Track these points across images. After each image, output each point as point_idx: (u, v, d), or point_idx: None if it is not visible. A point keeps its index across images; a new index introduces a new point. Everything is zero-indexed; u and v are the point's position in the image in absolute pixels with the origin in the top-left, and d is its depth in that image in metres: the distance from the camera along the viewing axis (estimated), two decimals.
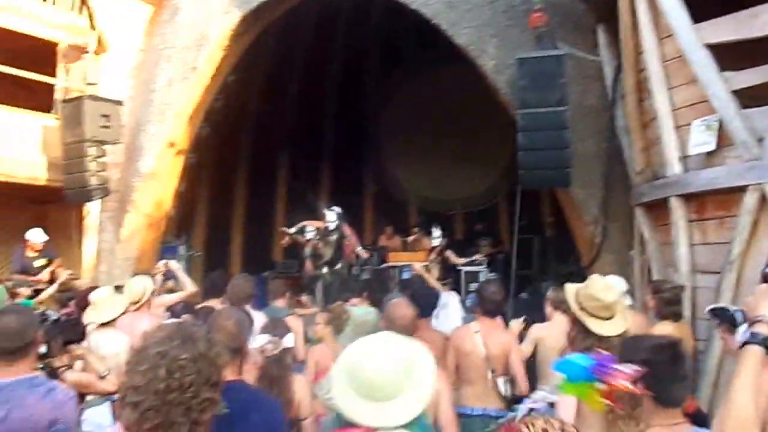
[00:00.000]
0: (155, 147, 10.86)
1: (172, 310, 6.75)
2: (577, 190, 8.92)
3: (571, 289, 3.81)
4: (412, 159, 17.29)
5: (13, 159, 10.11)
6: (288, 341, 4.07)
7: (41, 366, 3.88)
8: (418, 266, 11.39)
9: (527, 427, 1.19)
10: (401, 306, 4.12)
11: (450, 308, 7.10)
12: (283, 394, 3.92)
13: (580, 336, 3.64)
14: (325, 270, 11.47)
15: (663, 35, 6.78)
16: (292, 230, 12.68)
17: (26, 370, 3.13)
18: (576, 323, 3.69)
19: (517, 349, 5.07)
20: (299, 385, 4.15)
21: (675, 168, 6.64)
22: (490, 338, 4.95)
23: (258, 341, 3.97)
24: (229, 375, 3.05)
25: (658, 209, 7.30)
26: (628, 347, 2.75)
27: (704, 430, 2.60)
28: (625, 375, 2.39)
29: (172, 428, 1.74)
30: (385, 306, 4.38)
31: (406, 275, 11.74)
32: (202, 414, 1.80)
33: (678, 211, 6.64)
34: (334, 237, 11.57)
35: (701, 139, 6.26)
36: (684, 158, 6.58)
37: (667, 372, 2.49)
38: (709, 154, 6.21)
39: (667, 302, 5.41)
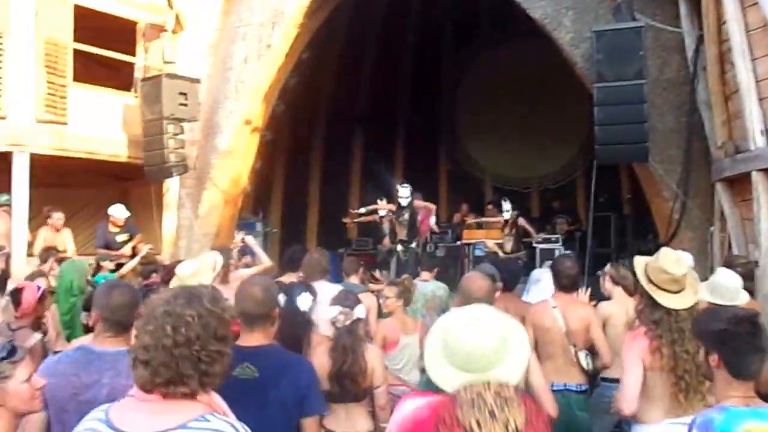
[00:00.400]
0: (232, 124, 11.04)
1: None
2: (656, 165, 8.69)
3: (640, 262, 3.77)
4: (487, 135, 17.17)
5: (96, 137, 10.39)
6: (359, 312, 4.11)
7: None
8: (491, 243, 11.37)
9: None
10: (477, 278, 4.09)
11: (543, 284, 7.03)
12: (356, 364, 3.96)
13: (648, 309, 3.62)
14: (399, 247, 11.50)
15: (746, 4, 6.55)
16: (362, 210, 12.81)
17: (128, 341, 3.15)
18: (644, 296, 3.66)
19: (597, 322, 4.98)
20: (372, 355, 4.18)
21: (758, 141, 6.43)
22: (568, 312, 4.88)
23: (329, 312, 4.03)
24: (261, 340, 3.19)
25: (740, 184, 7.09)
26: (706, 318, 2.71)
27: None
28: None
29: (182, 381, 1.83)
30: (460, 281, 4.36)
31: (478, 252, 11.68)
32: (210, 366, 1.88)
33: (760, 185, 6.44)
34: (406, 216, 11.60)
35: None
36: (767, 131, 6.35)
37: (744, 344, 2.44)
38: None
39: (740, 278, 5.25)
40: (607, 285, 5.73)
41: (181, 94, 10.27)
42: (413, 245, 11.75)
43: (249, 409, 2.81)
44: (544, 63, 12.13)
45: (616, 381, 4.90)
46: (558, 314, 4.84)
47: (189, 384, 1.85)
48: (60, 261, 7.72)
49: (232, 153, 11.22)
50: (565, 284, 5.10)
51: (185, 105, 10.38)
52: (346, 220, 14.25)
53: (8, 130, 9.33)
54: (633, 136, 8.18)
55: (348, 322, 4.02)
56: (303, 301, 3.43)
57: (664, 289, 3.58)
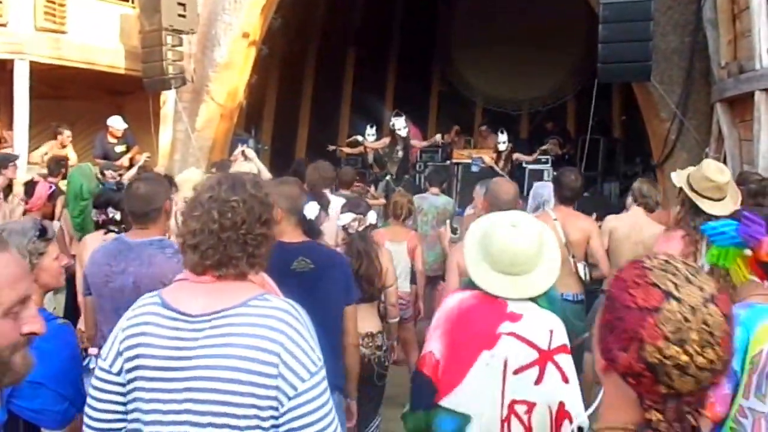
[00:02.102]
0: (230, 37, 10.91)
1: None
2: (656, 85, 8.75)
3: (682, 173, 3.90)
4: (481, 56, 17.04)
5: (94, 47, 10.28)
6: (371, 218, 4.27)
7: (116, 230, 4.14)
8: (488, 159, 11.45)
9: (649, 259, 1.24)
10: (505, 183, 4.23)
11: (541, 200, 7.19)
12: (372, 266, 4.14)
13: (690, 216, 3.75)
14: (387, 177, 11.58)
15: None
16: (347, 150, 12.83)
17: (156, 233, 3.38)
18: (685, 204, 3.79)
19: (597, 234, 5.14)
20: (385, 258, 4.38)
21: (764, 61, 6.47)
22: (569, 224, 5.01)
23: (343, 219, 4.19)
24: (300, 236, 3.38)
25: (741, 104, 7.18)
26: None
27: None
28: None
29: (230, 263, 1.90)
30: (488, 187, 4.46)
31: (475, 168, 11.75)
32: (257, 248, 1.95)
33: (762, 105, 6.51)
34: (400, 152, 11.63)
35: None
36: None
37: None
38: None
39: (754, 194, 5.35)
40: (628, 200, 5.87)
41: (179, 4, 10.14)
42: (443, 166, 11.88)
43: (309, 299, 3.07)
44: None
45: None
46: (558, 226, 4.97)
47: (238, 265, 1.91)
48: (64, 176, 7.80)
49: (230, 66, 11.10)
50: (567, 196, 5.24)
51: (184, 16, 10.27)
52: (332, 147, 14.27)
53: (8, 38, 9.22)
54: (637, 55, 8.17)
55: (361, 228, 4.18)
56: (310, 210, 3.54)
57: (707, 197, 3.70)
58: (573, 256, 4.98)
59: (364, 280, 4.04)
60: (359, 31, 17.24)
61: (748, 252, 2.47)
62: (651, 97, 9.04)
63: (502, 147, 12.24)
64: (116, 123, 9.95)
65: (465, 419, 2.35)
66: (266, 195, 2.01)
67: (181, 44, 10.43)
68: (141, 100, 11.03)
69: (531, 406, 2.34)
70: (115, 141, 10.12)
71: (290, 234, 3.33)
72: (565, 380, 2.36)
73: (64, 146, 9.69)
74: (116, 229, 4.28)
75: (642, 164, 12.87)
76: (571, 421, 2.34)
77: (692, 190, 3.73)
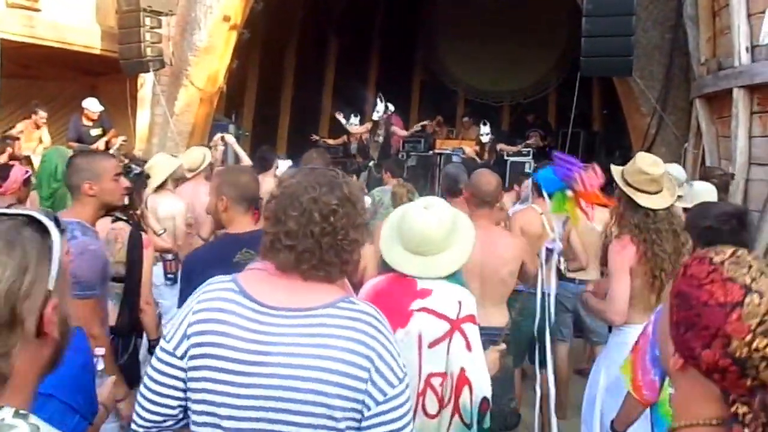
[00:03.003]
0: (210, 20, 10.76)
1: None
2: (637, 80, 8.77)
3: (617, 168, 3.83)
4: (464, 47, 17.05)
5: (69, 25, 10.05)
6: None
7: (125, 218, 4.05)
8: (469, 150, 11.45)
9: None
10: (486, 174, 4.21)
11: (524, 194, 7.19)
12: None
13: (628, 212, 3.64)
14: (372, 163, 11.58)
15: None
16: (331, 141, 12.79)
17: (76, 215, 3.20)
18: (623, 199, 3.68)
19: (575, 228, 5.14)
20: (368, 252, 4.28)
21: (742, 58, 6.51)
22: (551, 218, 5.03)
23: None
24: (249, 226, 3.27)
25: (719, 101, 7.22)
26: (696, 212, 2.79)
27: None
28: (590, 180, 2.44)
29: (325, 268, 1.84)
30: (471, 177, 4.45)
31: (456, 159, 11.75)
32: (351, 254, 1.90)
33: (740, 102, 6.56)
34: (381, 137, 11.62)
35: None
36: (753, 48, 6.44)
37: (729, 239, 2.53)
38: None
39: (716, 189, 5.40)
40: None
41: None
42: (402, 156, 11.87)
43: None
44: None
45: (572, 281, 5.26)
46: (545, 220, 4.96)
47: (330, 271, 1.85)
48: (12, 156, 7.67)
49: (210, 50, 10.95)
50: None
51: None
52: (315, 137, 14.23)
53: None
54: (619, 50, 8.20)
55: None
56: None
57: (642, 191, 3.60)
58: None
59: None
60: (341, 18, 17.14)
61: (569, 193, 2.51)
62: (631, 92, 9.07)
63: (485, 139, 12.27)
64: (91, 105, 9.79)
65: None
66: (358, 199, 1.95)
67: (159, 26, 10.28)
68: (118, 82, 10.82)
69: (444, 377, 2.43)
70: (90, 124, 9.97)
71: (237, 223, 3.26)
72: (469, 348, 2.44)
73: (38, 127, 9.52)
74: (124, 217, 4.17)
75: (621, 158, 12.81)
76: (471, 388, 2.41)
77: (627, 184, 3.63)
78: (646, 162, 3.66)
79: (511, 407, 2.92)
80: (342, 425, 1.74)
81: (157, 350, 1.87)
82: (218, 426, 1.77)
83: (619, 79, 9.40)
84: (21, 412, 1.04)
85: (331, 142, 13.95)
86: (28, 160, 7.66)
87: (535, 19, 15.37)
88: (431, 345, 2.42)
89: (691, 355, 1.21)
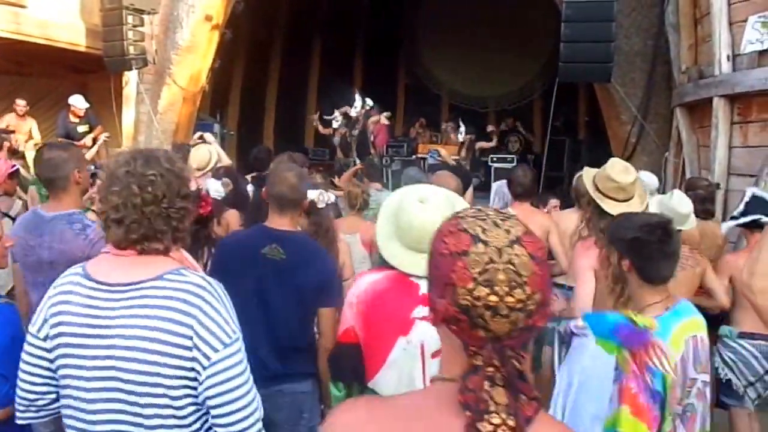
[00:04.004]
0: (192, 20, 10.72)
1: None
2: (618, 87, 8.78)
3: (590, 172, 3.80)
4: (448, 52, 17.11)
5: (54, 22, 10.04)
6: (332, 197, 4.22)
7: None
8: (444, 152, 11.49)
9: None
10: (446, 176, 4.20)
11: (508, 198, 7.17)
12: (331, 247, 4.02)
13: (595, 218, 3.63)
14: (357, 159, 11.58)
15: None
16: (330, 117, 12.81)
17: (70, 205, 3.29)
18: (591, 204, 3.68)
19: (555, 230, 5.12)
20: (343, 251, 4.28)
21: (723, 67, 6.50)
22: (528, 220, 4.99)
23: (310, 194, 4.11)
24: (289, 225, 3.26)
25: (700, 110, 7.22)
26: (619, 224, 2.77)
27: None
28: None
29: (156, 237, 1.93)
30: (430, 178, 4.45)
31: (431, 161, 11.82)
32: (180, 222, 1.99)
33: (720, 111, 6.54)
34: (355, 132, 11.68)
35: (754, 36, 6.09)
36: (734, 57, 6.43)
37: (654, 250, 2.53)
38: (761, 53, 6.04)
39: (702, 200, 5.36)
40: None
41: None
42: (370, 156, 11.84)
43: (270, 288, 3.06)
44: None
45: (562, 287, 5.07)
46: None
47: (163, 240, 1.94)
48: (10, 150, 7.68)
49: (192, 49, 10.92)
50: (519, 192, 5.31)
51: None
52: (313, 117, 14.28)
53: None
54: (598, 56, 8.21)
55: (324, 205, 4.10)
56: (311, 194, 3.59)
57: (611, 198, 3.59)
58: None
59: None
60: (325, 20, 17.17)
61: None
62: (612, 99, 9.08)
63: (460, 138, 12.32)
64: (77, 102, 9.81)
65: None
66: (181, 169, 2.02)
67: (142, 24, 10.32)
68: (104, 79, 10.82)
69: None
70: (77, 120, 10.02)
71: (272, 220, 3.30)
72: None
73: (21, 116, 9.56)
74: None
75: None
76: None
77: (597, 190, 3.62)
78: (615, 169, 3.63)
79: None
80: (179, 393, 1.85)
81: (27, 336, 2.00)
82: (74, 398, 1.90)
83: (600, 86, 9.41)
84: None
85: (321, 129, 13.91)
86: (21, 155, 7.68)
87: (521, 26, 15.42)
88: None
89: (433, 308, 1.23)
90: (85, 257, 3.04)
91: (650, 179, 5.56)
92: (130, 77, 11.03)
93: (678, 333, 2.45)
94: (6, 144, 7.81)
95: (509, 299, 1.13)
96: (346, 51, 17.86)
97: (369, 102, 12.22)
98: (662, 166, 8.33)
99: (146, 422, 1.85)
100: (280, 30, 16.38)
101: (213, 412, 1.87)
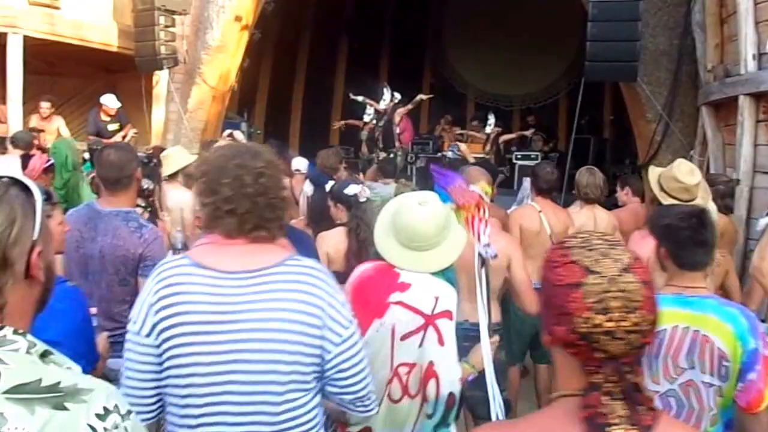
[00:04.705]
0: (222, 20, 10.91)
1: None
2: (644, 86, 8.81)
3: (654, 171, 3.92)
4: (474, 50, 17.12)
5: (88, 23, 10.26)
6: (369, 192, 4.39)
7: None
8: (464, 147, 11.56)
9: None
10: (476, 171, 4.31)
11: (527, 192, 7.25)
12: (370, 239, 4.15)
13: None
14: (381, 154, 11.68)
15: None
16: (359, 98, 12.86)
17: (126, 203, 3.42)
18: (654, 203, 3.82)
19: (574, 226, 5.21)
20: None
21: (749, 66, 6.51)
22: (550, 216, 5.11)
23: (351, 189, 4.27)
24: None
25: (726, 108, 7.23)
26: (657, 213, 2.87)
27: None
28: (466, 196, 2.56)
29: (266, 226, 2.01)
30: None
31: (450, 155, 11.89)
32: (284, 211, 2.11)
33: (746, 110, 6.53)
34: (381, 123, 11.77)
35: None
36: (760, 56, 6.45)
37: (686, 237, 2.61)
38: None
39: (722, 195, 5.44)
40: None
41: None
42: (394, 151, 11.98)
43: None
44: None
45: None
46: (544, 218, 5.05)
47: (271, 229, 2.03)
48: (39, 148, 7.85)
49: (222, 49, 11.12)
50: (543, 188, 5.36)
51: None
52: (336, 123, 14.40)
53: (1, 11, 9.22)
54: (624, 55, 8.25)
55: (363, 199, 4.24)
56: (351, 189, 3.71)
57: (675, 197, 3.71)
58: None
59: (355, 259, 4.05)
60: (352, 19, 17.29)
61: (452, 205, 2.62)
62: (638, 98, 9.10)
63: (488, 129, 12.39)
64: (109, 101, 9.98)
65: None
66: (279, 162, 2.14)
67: (174, 25, 10.51)
68: (134, 78, 11.02)
69: (411, 367, 2.53)
70: (108, 119, 10.17)
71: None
72: (441, 343, 2.52)
73: (44, 118, 9.72)
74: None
75: (631, 165, 12.92)
76: (438, 381, 2.51)
77: (661, 189, 3.75)
78: (682, 171, 3.76)
79: (503, 396, 3.00)
80: (306, 369, 1.94)
81: (127, 335, 1.99)
82: (193, 385, 1.91)
83: (626, 86, 9.44)
84: (20, 331, 1.20)
85: (350, 122, 14.02)
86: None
87: (546, 24, 15.38)
88: (403, 338, 2.52)
89: (550, 332, 1.33)
90: (137, 255, 3.23)
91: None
92: (161, 76, 11.23)
93: (677, 316, 2.52)
94: (36, 142, 7.96)
95: (624, 324, 1.23)
96: (373, 51, 17.94)
97: (397, 95, 12.31)
98: None
99: (282, 397, 1.93)
100: (307, 30, 16.53)
101: (341, 382, 2.03)
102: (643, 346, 1.28)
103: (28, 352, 1.18)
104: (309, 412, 2.00)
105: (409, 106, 13.11)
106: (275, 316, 1.91)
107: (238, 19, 11.03)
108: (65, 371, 1.21)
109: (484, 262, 3.23)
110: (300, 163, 6.73)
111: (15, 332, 1.19)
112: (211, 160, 2.07)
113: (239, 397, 1.90)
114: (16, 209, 1.23)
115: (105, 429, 1.15)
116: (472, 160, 10.83)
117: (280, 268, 1.98)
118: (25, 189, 1.28)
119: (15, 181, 1.27)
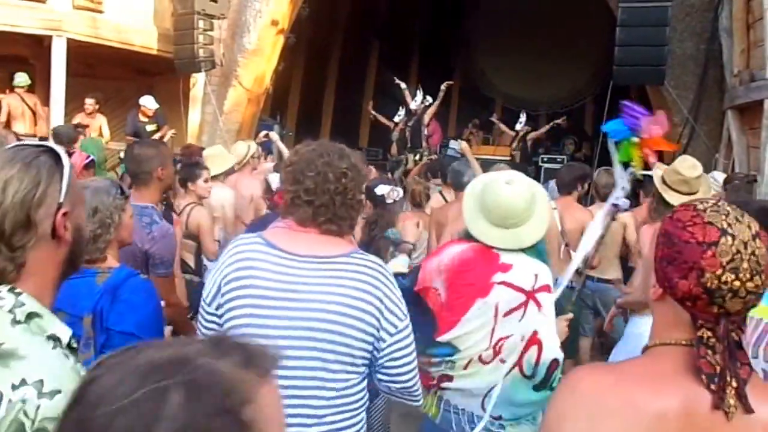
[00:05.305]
0: (259, 24, 11.23)
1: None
2: (670, 89, 8.97)
3: (662, 166, 4.12)
4: (502, 55, 17.26)
5: (129, 27, 10.62)
6: (401, 193, 4.60)
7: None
8: (464, 145, 11.71)
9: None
10: (502, 169, 4.54)
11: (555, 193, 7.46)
12: (380, 235, 4.36)
13: (660, 208, 3.92)
14: (411, 156, 11.86)
15: None
16: (403, 85, 12.98)
17: (148, 199, 3.51)
18: (656, 195, 3.99)
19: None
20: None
21: None
22: (566, 214, 5.30)
23: (380, 189, 4.47)
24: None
25: (751, 112, 7.37)
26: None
27: None
28: (656, 126, 2.71)
29: (338, 222, 2.18)
30: None
31: (451, 152, 12.04)
32: (357, 212, 2.27)
33: None
34: (410, 123, 11.97)
35: None
36: None
37: None
38: None
39: (737, 189, 5.61)
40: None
41: None
42: (422, 152, 12.15)
43: None
44: None
45: (599, 281, 5.52)
46: (556, 215, 5.24)
47: (341, 225, 2.19)
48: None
49: (258, 52, 11.42)
50: (560, 187, 5.72)
51: (215, 1, 10.67)
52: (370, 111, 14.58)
53: (46, 14, 9.57)
54: (652, 59, 8.43)
55: (391, 201, 4.48)
56: (380, 189, 3.91)
57: (675, 190, 3.86)
58: (566, 244, 5.20)
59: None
60: (384, 25, 17.53)
61: (635, 139, 2.77)
62: (664, 101, 9.24)
63: (518, 126, 12.58)
64: (148, 103, 10.26)
65: (455, 348, 2.65)
66: (362, 166, 2.30)
67: (212, 29, 10.81)
68: (171, 81, 11.35)
69: (507, 337, 2.63)
70: (146, 120, 10.41)
71: None
72: (542, 312, 2.63)
73: (89, 114, 10.06)
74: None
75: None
76: (540, 348, 2.60)
77: (663, 182, 3.92)
78: (684, 165, 3.95)
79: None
80: (357, 353, 2.10)
81: (200, 310, 2.20)
82: None
83: (653, 89, 9.59)
84: (16, 290, 1.28)
85: (381, 119, 14.17)
86: None
87: (574, 28, 15.50)
88: (506, 314, 2.63)
89: (669, 285, 1.46)
90: (143, 251, 3.31)
91: (722, 178, 5.86)
92: (198, 79, 11.54)
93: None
94: (81, 137, 8.22)
95: (749, 284, 1.38)
96: (403, 55, 18.12)
97: (429, 99, 12.48)
98: (712, 167, 8.47)
99: (333, 375, 2.08)
100: (339, 34, 16.80)
101: (392, 370, 2.17)
102: (752, 307, 1.42)
103: (10, 312, 1.24)
104: (357, 393, 2.14)
105: (437, 102, 13.28)
106: (335, 299, 2.05)
107: (274, 23, 11.32)
108: (25, 335, 1.23)
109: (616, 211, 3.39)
110: None
111: (10, 290, 1.27)
112: (302, 153, 2.22)
113: (290, 372, 1.99)
114: (42, 173, 1.33)
115: (10, 400, 1.15)
116: (472, 159, 11.03)
117: (345, 258, 2.14)
118: (55, 157, 1.39)
119: (47, 149, 1.39)
